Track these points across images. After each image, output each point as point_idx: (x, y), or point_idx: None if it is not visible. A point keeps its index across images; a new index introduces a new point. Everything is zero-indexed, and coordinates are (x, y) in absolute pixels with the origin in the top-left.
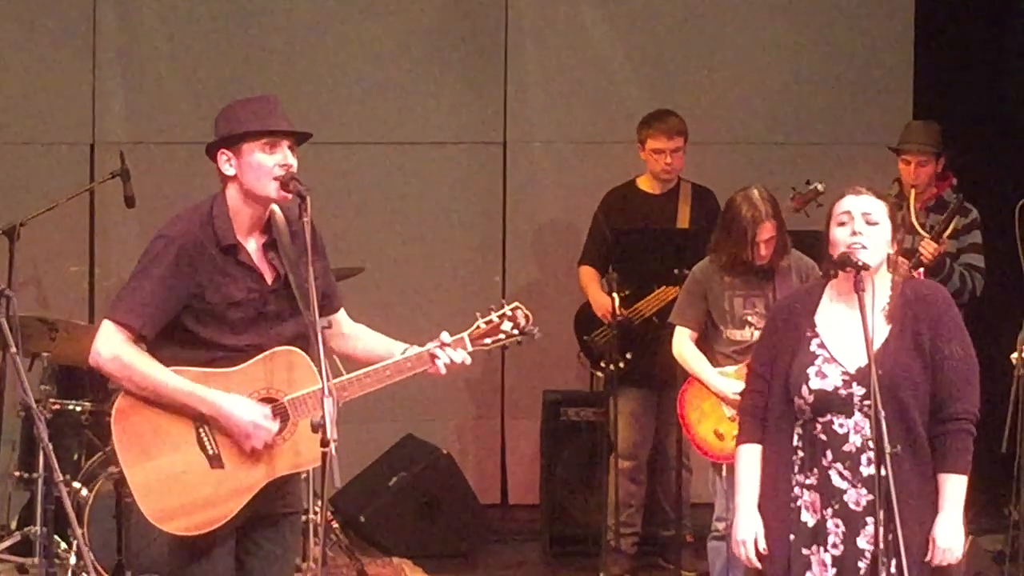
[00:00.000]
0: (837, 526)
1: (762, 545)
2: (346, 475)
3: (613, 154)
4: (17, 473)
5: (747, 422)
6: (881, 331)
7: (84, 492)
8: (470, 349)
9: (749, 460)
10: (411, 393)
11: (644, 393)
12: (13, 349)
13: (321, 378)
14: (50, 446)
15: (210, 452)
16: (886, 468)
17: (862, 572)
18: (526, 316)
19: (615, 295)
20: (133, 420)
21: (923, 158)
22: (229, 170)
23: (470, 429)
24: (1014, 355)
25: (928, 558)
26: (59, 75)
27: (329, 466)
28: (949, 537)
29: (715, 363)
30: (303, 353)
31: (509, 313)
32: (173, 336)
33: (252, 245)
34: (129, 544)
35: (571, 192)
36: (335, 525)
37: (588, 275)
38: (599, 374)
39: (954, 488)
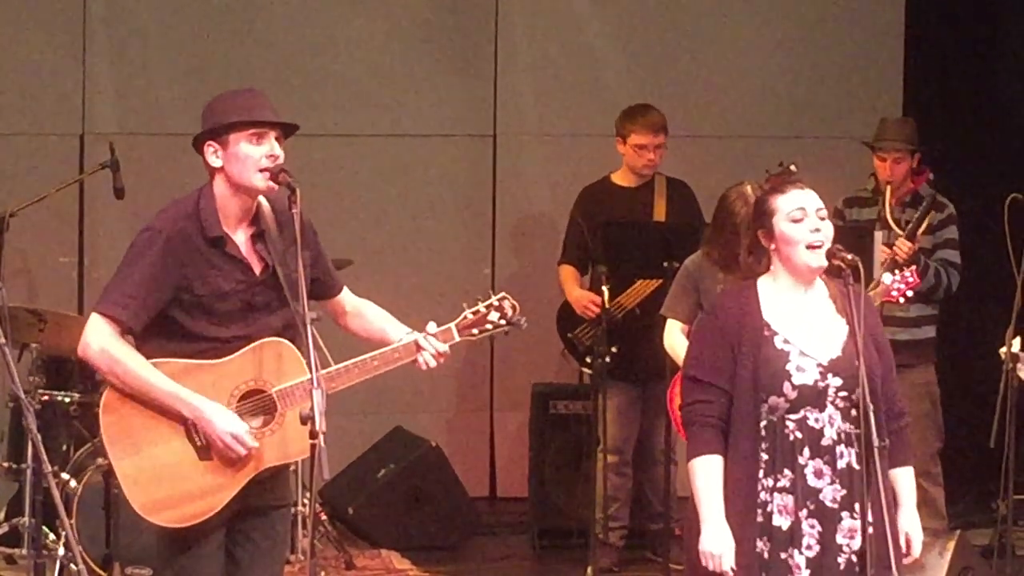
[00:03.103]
0: (812, 526)
1: (732, 561)
2: (335, 467)
3: (602, 147)
4: (6, 464)
5: (702, 433)
6: (841, 326)
7: (73, 483)
8: (457, 339)
9: (712, 472)
10: (400, 385)
11: (628, 387)
12: (2, 340)
13: (310, 370)
14: (39, 437)
15: (199, 443)
16: (873, 461)
17: (842, 568)
18: (513, 306)
19: (605, 289)
20: (122, 412)
21: (898, 155)
22: (216, 162)
23: (459, 422)
24: (1002, 349)
25: (906, 552)
26: (49, 66)
27: (318, 458)
28: (915, 527)
29: None
30: (291, 344)
31: (496, 303)
32: (160, 328)
33: (240, 237)
34: (118, 535)
35: (560, 185)
36: (323, 517)
37: (567, 274)
38: (586, 371)
39: (909, 480)
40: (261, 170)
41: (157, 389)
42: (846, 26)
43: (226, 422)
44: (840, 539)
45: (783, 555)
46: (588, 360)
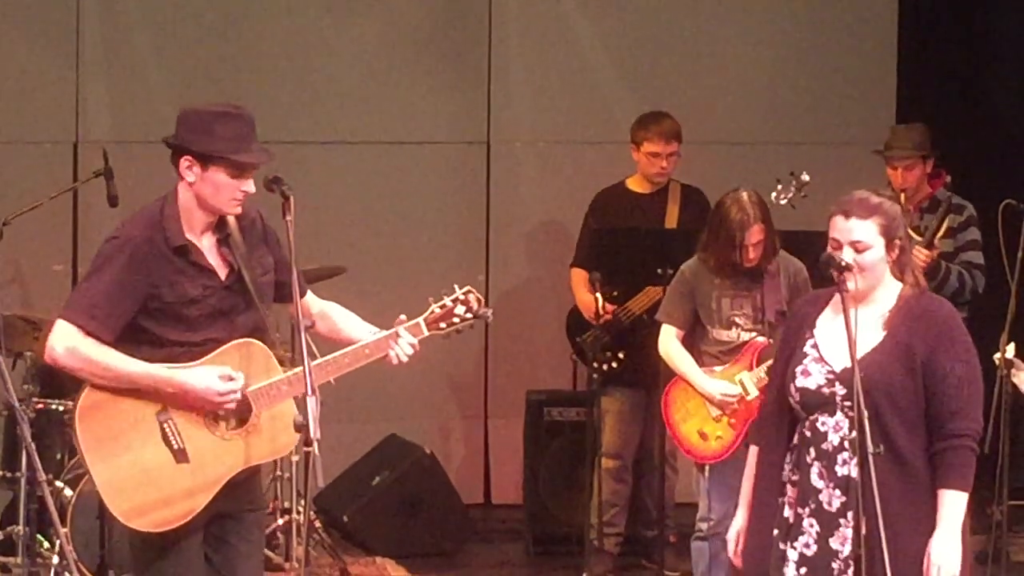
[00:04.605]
0: (812, 526)
1: (741, 543)
2: (329, 475)
3: (597, 154)
4: (0, 472)
5: (755, 424)
6: (873, 337)
7: (67, 492)
8: (426, 333)
9: (749, 460)
10: (394, 393)
11: (632, 392)
12: None
13: (306, 378)
14: (33, 445)
15: (175, 447)
16: (866, 468)
17: (835, 572)
18: (478, 299)
19: (598, 295)
20: (97, 418)
21: (909, 162)
22: (189, 176)
23: (453, 429)
24: (996, 355)
25: (925, 574)
26: (42, 74)
27: (313, 465)
28: (943, 553)
29: (701, 362)
30: (262, 344)
31: (462, 297)
32: (131, 335)
33: (205, 243)
34: (112, 543)
35: (554, 192)
36: (318, 525)
37: (577, 277)
38: (596, 376)
39: (951, 504)
40: (232, 199)
41: (131, 373)
42: (840, 33)
43: (205, 378)
44: (835, 544)
45: (782, 546)
46: (596, 365)
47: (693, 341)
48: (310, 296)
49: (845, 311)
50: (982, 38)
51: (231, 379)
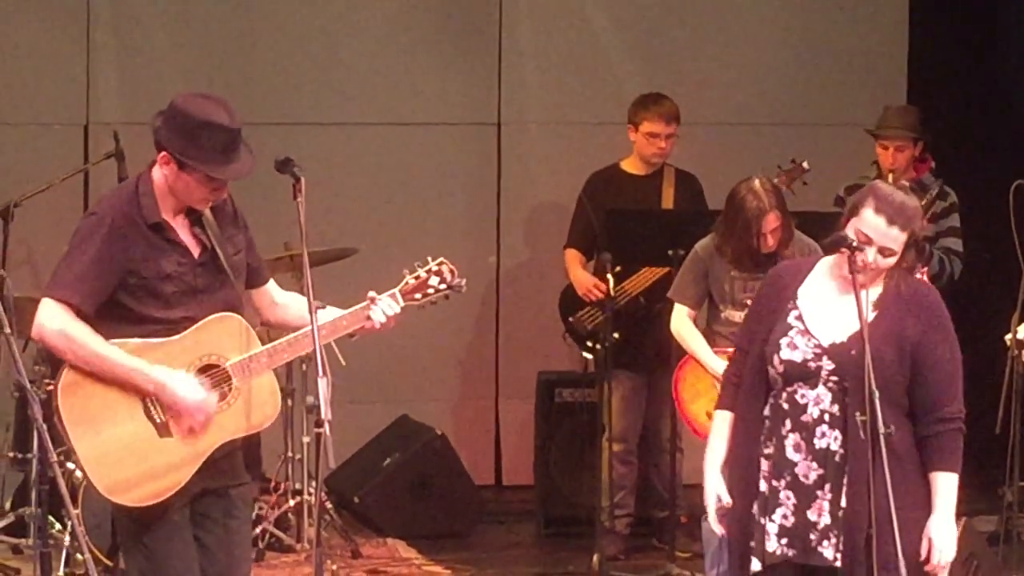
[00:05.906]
0: (788, 498)
1: (726, 499)
2: (340, 456)
3: (607, 135)
4: (11, 453)
5: (725, 389)
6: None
7: (78, 473)
8: (402, 303)
9: (719, 426)
10: (406, 374)
11: (634, 376)
12: (7, 329)
13: (316, 358)
14: (44, 426)
15: (158, 421)
16: (877, 447)
17: (812, 542)
18: (451, 270)
19: (610, 276)
20: (80, 394)
21: (900, 143)
22: (165, 170)
23: (464, 410)
24: (1007, 336)
25: (923, 559)
26: (53, 56)
27: (324, 447)
28: (943, 537)
29: (712, 342)
30: (240, 318)
31: (435, 268)
32: (110, 312)
33: (179, 221)
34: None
35: (565, 173)
36: (329, 506)
37: (572, 258)
38: (587, 355)
39: (947, 486)
40: (203, 199)
41: (118, 365)
42: (850, 15)
43: (190, 390)
44: (812, 516)
45: (761, 520)
46: (589, 344)
47: (705, 320)
48: (272, 284)
49: (856, 291)
50: (992, 21)
51: (208, 405)
